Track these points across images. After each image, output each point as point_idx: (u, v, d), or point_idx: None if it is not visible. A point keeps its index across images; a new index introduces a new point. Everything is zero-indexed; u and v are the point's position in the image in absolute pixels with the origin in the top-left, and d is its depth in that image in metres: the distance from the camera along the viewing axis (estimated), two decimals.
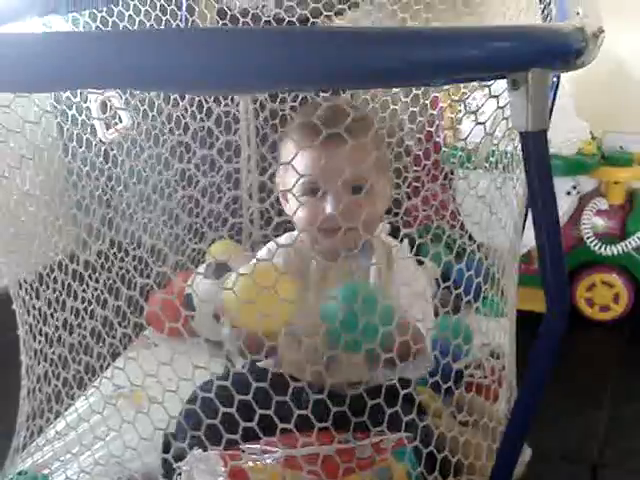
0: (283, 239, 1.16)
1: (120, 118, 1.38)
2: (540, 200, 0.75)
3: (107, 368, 1.14)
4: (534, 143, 0.73)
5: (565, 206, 1.86)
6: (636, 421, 1.61)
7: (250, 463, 0.90)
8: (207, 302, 1.43)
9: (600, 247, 1.89)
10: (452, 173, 1.80)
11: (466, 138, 0.93)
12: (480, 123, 0.82)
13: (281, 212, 1.19)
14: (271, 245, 1.14)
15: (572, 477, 1.47)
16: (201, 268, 1.51)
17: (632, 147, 1.97)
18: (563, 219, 1.87)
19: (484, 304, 1.19)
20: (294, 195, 0.97)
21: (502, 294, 1.21)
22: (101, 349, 1.05)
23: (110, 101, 1.31)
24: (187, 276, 1.54)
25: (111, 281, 1.19)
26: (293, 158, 0.77)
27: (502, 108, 0.79)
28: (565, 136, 1.83)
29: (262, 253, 1.18)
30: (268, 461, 0.92)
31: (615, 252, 1.88)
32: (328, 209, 1.04)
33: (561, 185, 1.84)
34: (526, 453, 1.15)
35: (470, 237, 1.21)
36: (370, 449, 0.93)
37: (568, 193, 1.86)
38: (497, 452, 0.88)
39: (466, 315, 1.14)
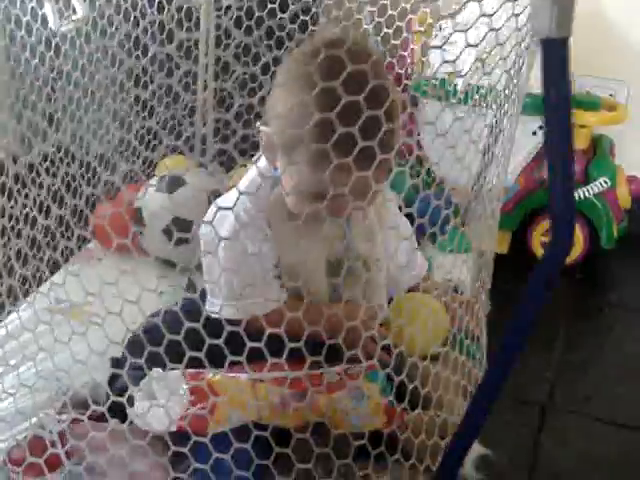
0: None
1: (74, 10, 1.27)
2: (555, 114, 0.69)
3: (46, 281, 1.06)
4: (556, 51, 0.67)
5: (529, 146, 1.82)
6: (586, 365, 1.61)
7: (217, 377, 0.83)
8: (158, 217, 1.34)
9: None
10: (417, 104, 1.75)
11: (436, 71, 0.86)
12: (493, 29, 0.75)
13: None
14: (252, 176, 1.00)
15: (521, 418, 1.46)
16: (153, 180, 1.41)
17: (600, 92, 1.94)
18: (527, 159, 1.84)
19: (451, 238, 1.14)
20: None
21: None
22: (40, 262, 0.97)
23: None
24: (137, 188, 1.44)
25: (55, 188, 1.09)
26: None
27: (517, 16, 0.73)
28: (535, 74, 1.77)
29: (242, 184, 0.99)
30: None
31: (576, 197, 1.84)
32: (343, 213, 0.90)
33: (527, 125, 1.79)
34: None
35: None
36: (340, 375, 0.88)
37: (534, 133, 1.81)
38: (470, 402, 0.82)
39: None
